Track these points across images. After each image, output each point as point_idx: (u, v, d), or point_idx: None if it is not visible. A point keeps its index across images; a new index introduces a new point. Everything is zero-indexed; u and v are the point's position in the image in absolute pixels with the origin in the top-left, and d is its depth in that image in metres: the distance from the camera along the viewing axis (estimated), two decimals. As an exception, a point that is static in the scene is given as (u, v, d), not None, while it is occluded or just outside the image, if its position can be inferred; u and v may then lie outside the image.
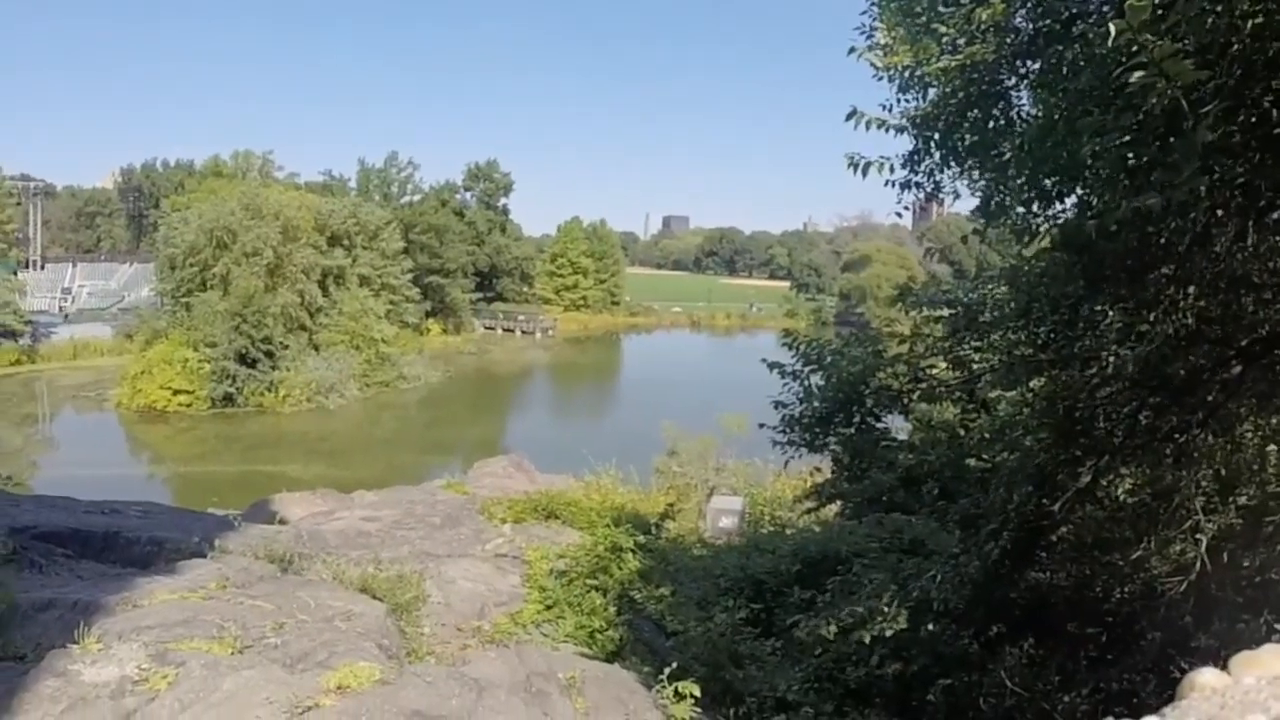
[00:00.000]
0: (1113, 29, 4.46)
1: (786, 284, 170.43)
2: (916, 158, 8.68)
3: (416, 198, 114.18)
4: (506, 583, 13.45)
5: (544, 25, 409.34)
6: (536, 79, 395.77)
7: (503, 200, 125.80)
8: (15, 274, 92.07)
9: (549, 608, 12.27)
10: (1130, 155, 5.88)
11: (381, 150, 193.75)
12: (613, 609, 12.15)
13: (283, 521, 17.10)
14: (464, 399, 76.04)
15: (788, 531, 13.82)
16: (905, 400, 10.77)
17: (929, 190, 9.05)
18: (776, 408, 11.21)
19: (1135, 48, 4.45)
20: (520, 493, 19.17)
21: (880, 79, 8.68)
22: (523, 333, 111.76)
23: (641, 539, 15.27)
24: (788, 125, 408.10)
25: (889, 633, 8.62)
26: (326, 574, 10.93)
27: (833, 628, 8.67)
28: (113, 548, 11.99)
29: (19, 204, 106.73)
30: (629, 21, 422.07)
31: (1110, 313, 7.81)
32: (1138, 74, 4.48)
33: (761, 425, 12.18)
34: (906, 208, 9.60)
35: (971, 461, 11.12)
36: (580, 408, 77.44)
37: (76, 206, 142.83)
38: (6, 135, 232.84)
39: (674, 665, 7.98)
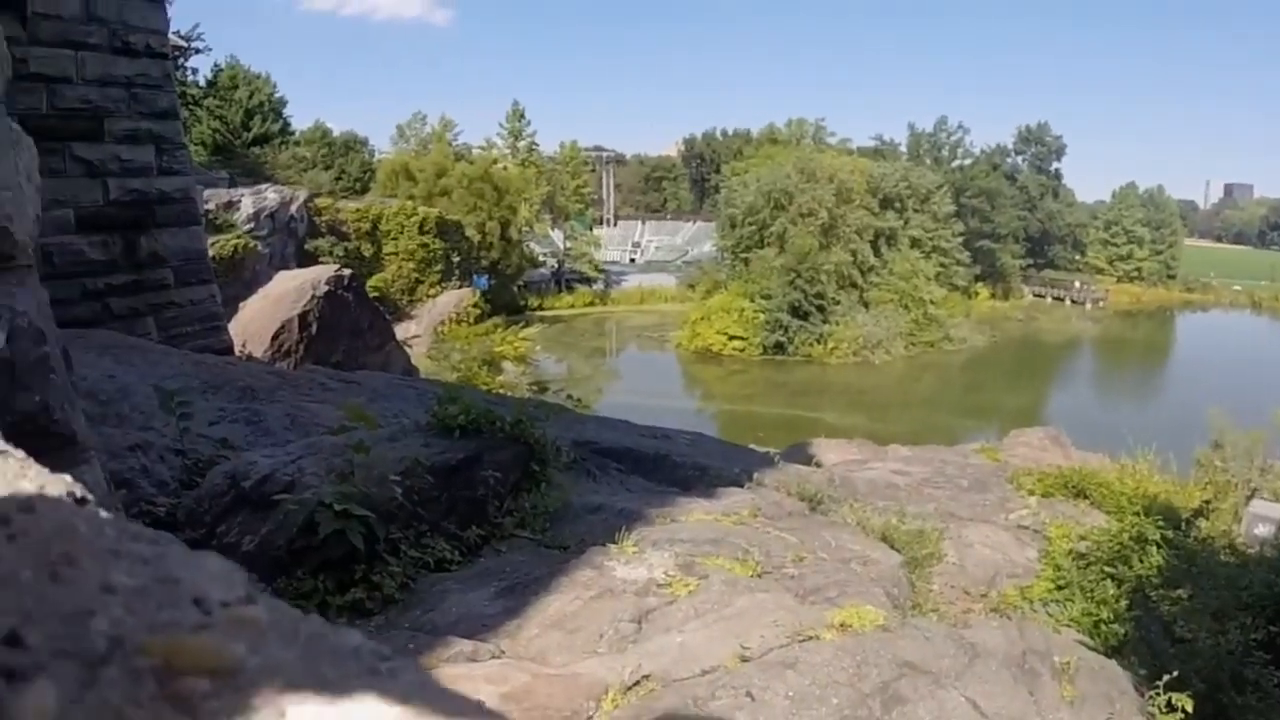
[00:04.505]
0: None
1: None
2: None
3: (967, 162, 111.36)
4: (1023, 555, 13.06)
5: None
6: (1088, 37, 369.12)
7: (1054, 164, 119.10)
8: (591, 229, 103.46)
9: (1060, 588, 11.76)
10: None
11: (930, 115, 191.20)
12: (1124, 602, 11.47)
13: (818, 464, 17.38)
14: (1006, 365, 73.66)
15: (1332, 551, 12.25)
16: None
17: None
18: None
19: None
20: (1052, 466, 18.36)
21: None
22: (1072, 302, 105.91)
23: (1169, 534, 14.26)
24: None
25: None
26: (851, 518, 11.05)
27: (1352, 669, 7.58)
28: (660, 468, 12.58)
29: (594, 170, 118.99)
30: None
31: None
32: None
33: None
34: None
35: None
36: (1124, 386, 72.20)
37: (644, 172, 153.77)
38: (585, 113, 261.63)
39: (1173, 674, 7.44)
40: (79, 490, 0.87)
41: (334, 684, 0.58)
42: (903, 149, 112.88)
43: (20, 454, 0.96)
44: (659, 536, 8.45)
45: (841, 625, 6.89)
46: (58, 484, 0.87)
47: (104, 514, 0.82)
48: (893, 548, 10.39)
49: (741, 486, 11.80)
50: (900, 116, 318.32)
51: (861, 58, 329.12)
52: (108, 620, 0.62)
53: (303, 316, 27.12)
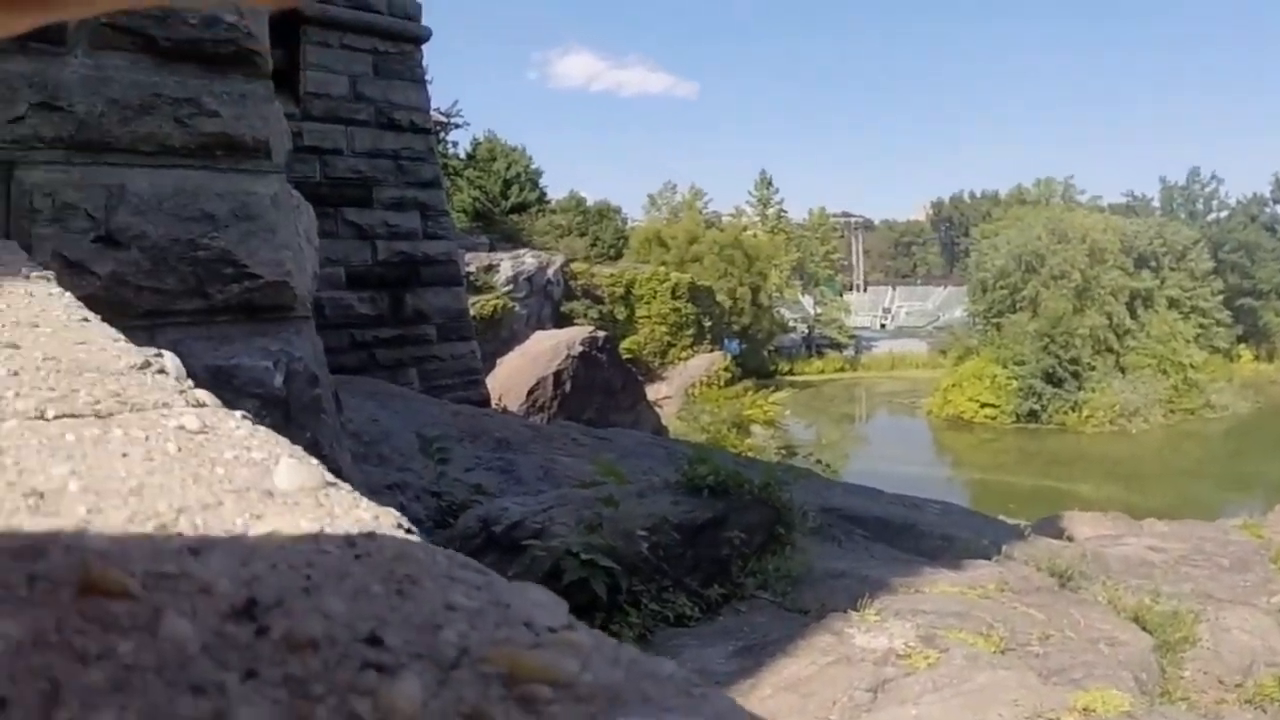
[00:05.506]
0: None
1: None
2: None
3: (1223, 214, 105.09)
4: (1284, 642, 12.26)
5: None
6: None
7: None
8: (840, 295, 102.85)
9: (1319, 679, 10.94)
10: None
11: (1182, 166, 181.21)
12: (1376, 695, 10.50)
13: (1069, 538, 16.86)
14: (1272, 433, 67.79)
15: None
16: None
17: None
18: None
19: None
20: (1325, 545, 17.18)
21: None
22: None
23: None
24: None
25: None
26: (1102, 596, 10.64)
27: None
28: (906, 536, 12.41)
29: (842, 236, 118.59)
30: None
31: None
32: None
33: None
34: None
35: None
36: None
37: (893, 237, 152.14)
38: (832, 179, 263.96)
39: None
40: (405, 522, 0.97)
41: (655, 702, 0.64)
42: (1155, 204, 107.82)
43: (347, 487, 1.06)
44: (901, 606, 8.32)
45: (1084, 709, 6.62)
46: (388, 515, 0.97)
47: (432, 544, 0.91)
48: (1144, 629, 9.91)
49: (989, 559, 11.52)
50: (1151, 170, 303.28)
51: (1108, 112, 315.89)
52: (454, 633, 0.70)
53: (557, 374, 28.15)
